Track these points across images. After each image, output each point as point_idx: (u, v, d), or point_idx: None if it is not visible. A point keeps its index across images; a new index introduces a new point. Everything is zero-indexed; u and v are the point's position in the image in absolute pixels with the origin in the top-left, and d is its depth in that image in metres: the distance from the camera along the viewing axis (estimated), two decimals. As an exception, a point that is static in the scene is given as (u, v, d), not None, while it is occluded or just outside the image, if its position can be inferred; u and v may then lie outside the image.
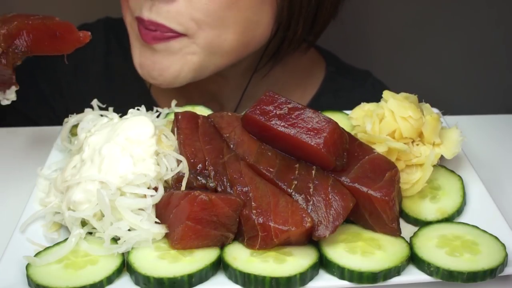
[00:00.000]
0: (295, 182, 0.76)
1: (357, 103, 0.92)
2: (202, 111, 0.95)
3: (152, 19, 0.94)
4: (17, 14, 0.80)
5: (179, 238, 0.71)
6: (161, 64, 0.99)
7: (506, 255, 0.70)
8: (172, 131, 0.84)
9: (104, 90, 1.05)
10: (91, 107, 0.91)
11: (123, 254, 0.72)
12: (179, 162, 0.78)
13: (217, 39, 0.97)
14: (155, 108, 0.92)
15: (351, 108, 0.93)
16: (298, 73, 1.22)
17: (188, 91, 1.13)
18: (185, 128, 0.83)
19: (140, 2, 0.95)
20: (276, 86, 1.16)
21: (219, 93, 1.18)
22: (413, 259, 0.72)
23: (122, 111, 0.89)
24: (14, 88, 0.83)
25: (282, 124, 0.78)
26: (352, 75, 1.27)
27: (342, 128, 0.78)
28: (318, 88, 1.23)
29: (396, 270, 0.70)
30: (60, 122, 0.95)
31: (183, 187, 0.76)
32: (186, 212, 0.71)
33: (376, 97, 0.89)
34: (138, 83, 1.19)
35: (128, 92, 1.04)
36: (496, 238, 0.73)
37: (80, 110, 0.91)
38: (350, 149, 0.78)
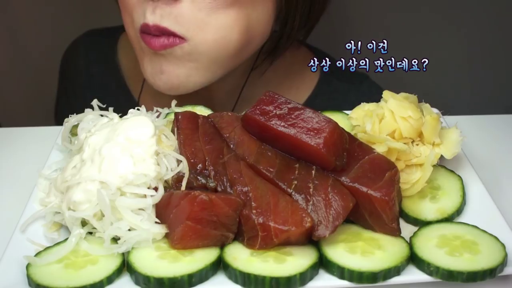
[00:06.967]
0: (295, 182, 0.76)
1: (353, 106, 0.91)
2: (202, 111, 0.95)
3: (157, 23, 0.93)
4: None
5: (179, 238, 0.71)
6: (169, 74, 0.98)
7: (506, 255, 0.70)
8: (172, 131, 0.84)
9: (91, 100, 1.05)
10: (91, 107, 0.91)
11: (123, 254, 0.72)
12: (179, 162, 0.78)
13: (222, 41, 0.96)
14: (155, 108, 0.92)
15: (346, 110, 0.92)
16: (291, 75, 1.20)
17: (179, 97, 1.12)
18: (185, 128, 0.83)
19: (143, 7, 0.94)
20: (268, 88, 1.15)
21: (212, 98, 1.16)
22: (413, 259, 0.72)
23: None
24: None
25: (282, 124, 0.78)
26: (348, 77, 1.24)
27: (342, 128, 0.78)
28: (312, 91, 1.21)
29: (396, 270, 0.70)
30: (60, 122, 0.95)
31: (183, 187, 0.76)
32: (186, 212, 0.71)
33: (372, 101, 0.89)
34: (124, 92, 1.19)
35: (115, 100, 1.04)
36: (496, 238, 0.73)
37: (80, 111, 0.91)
38: (350, 149, 0.78)
